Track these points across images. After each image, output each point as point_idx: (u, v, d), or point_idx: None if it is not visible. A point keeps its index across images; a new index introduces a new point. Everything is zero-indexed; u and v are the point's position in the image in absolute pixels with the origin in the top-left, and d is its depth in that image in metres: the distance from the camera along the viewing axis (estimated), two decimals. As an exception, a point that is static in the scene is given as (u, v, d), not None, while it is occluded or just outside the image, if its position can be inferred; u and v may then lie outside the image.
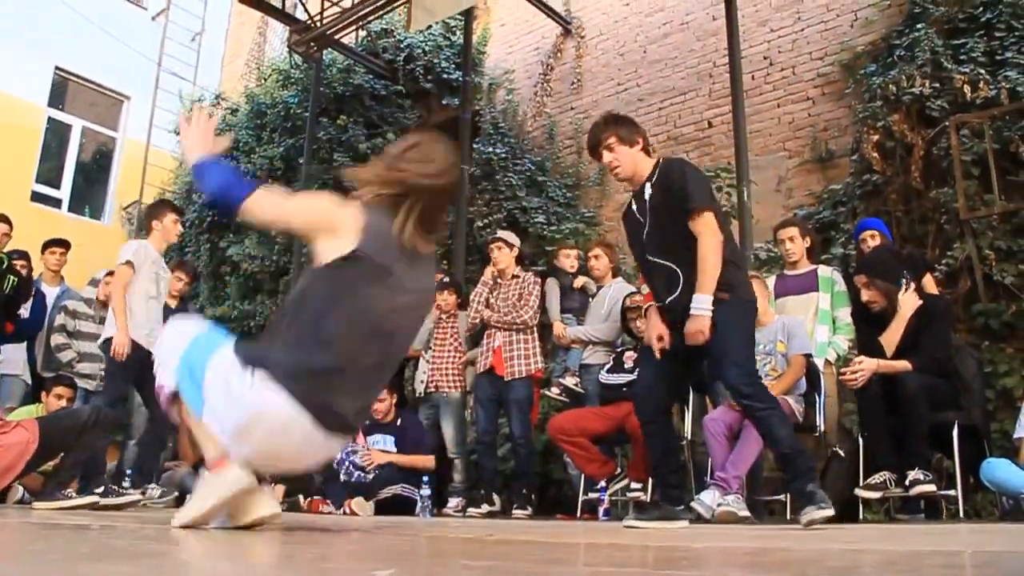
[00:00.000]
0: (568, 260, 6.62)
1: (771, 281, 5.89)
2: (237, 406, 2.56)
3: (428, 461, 6.26)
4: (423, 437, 6.43)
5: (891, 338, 4.81)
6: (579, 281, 6.41)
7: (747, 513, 4.66)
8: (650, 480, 5.47)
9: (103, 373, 7.26)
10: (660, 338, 3.85)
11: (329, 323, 2.59)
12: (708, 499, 4.71)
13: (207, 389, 2.61)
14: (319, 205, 2.77)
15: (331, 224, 2.66)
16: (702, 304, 3.60)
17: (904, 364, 4.62)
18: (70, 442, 4.77)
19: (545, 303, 6.34)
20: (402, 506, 6.00)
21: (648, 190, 3.83)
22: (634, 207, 3.94)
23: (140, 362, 5.40)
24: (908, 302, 4.86)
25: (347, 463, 6.13)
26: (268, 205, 2.78)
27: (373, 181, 2.78)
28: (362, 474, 6.10)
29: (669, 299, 3.78)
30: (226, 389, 2.58)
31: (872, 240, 5.48)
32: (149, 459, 6.07)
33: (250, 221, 2.80)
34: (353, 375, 2.66)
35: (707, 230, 3.64)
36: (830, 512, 3.40)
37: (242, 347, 2.68)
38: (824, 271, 5.58)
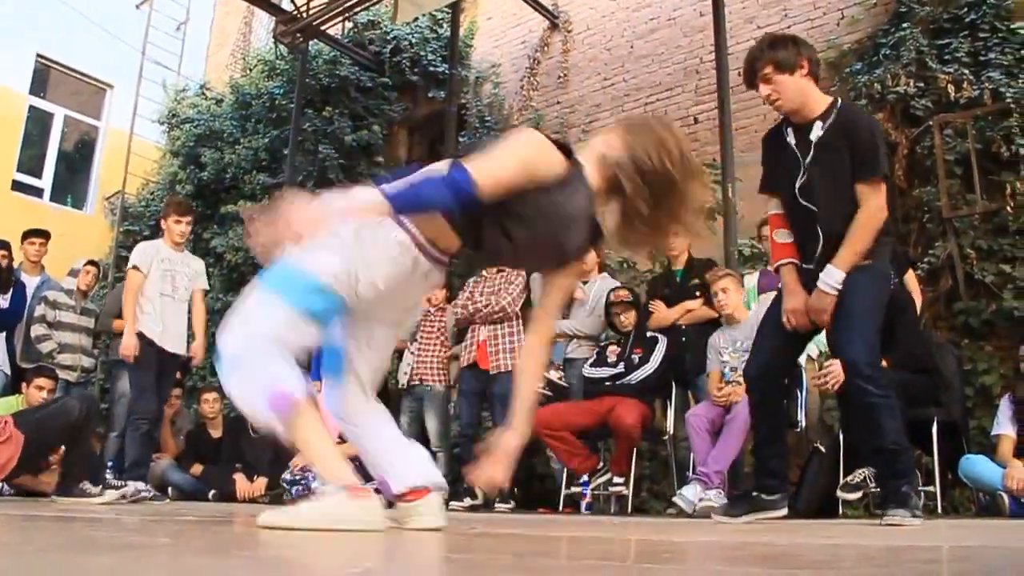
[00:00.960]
0: (553, 255, 6.60)
1: (755, 277, 5.92)
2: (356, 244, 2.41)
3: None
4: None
5: None
6: (578, 293, 6.38)
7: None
8: (631, 474, 5.50)
9: (84, 364, 7.27)
10: (795, 311, 3.52)
11: None
12: (690, 494, 4.74)
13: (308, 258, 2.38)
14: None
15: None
16: (833, 280, 3.32)
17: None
18: (64, 439, 4.79)
19: (530, 296, 6.34)
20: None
21: (818, 130, 3.44)
22: (791, 139, 3.54)
23: (156, 355, 6.01)
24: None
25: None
26: (490, 171, 2.37)
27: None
28: (298, 488, 6.03)
29: (811, 256, 3.49)
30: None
31: None
32: (140, 453, 6.06)
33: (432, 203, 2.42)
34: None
35: (876, 203, 3.34)
36: (918, 523, 3.20)
37: None
38: None
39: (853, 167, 3.35)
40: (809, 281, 3.49)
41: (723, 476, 4.75)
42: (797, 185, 3.48)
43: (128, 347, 5.93)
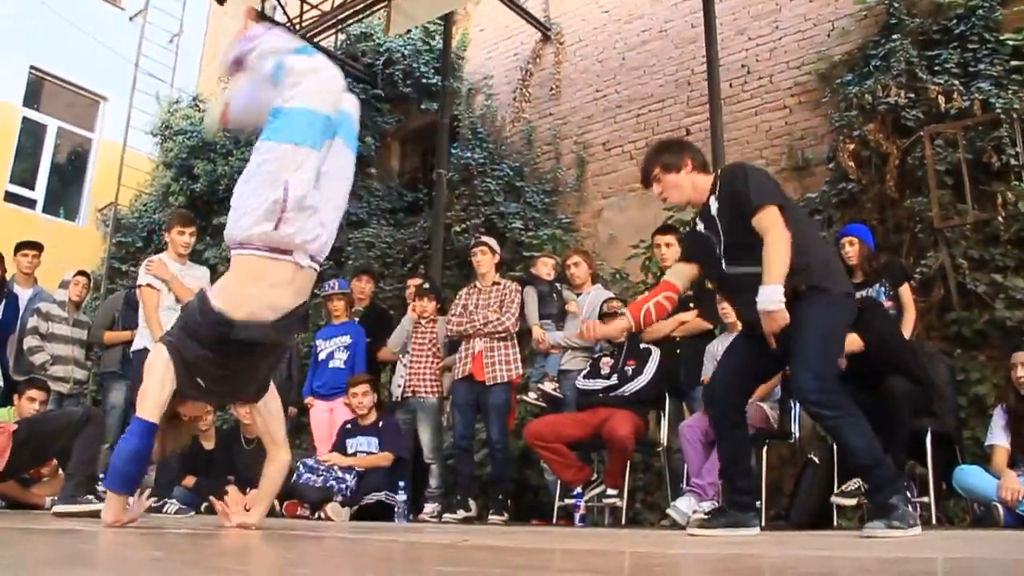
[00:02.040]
0: (545, 268, 6.62)
1: None
2: None
3: (385, 459, 6.27)
4: (400, 439, 6.45)
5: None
6: (571, 306, 6.38)
7: None
8: (625, 486, 5.49)
9: (76, 376, 7.24)
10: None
11: None
12: (684, 506, 4.73)
13: None
14: None
15: None
16: (771, 296, 3.34)
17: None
18: (64, 443, 4.71)
19: (524, 310, 6.34)
20: (384, 513, 6.01)
21: (714, 204, 3.67)
22: (700, 226, 3.78)
23: None
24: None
25: (312, 472, 6.10)
26: None
27: None
28: (311, 477, 6.04)
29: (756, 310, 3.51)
30: None
31: (850, 246, 5.48)
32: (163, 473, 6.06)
33: None
34: None
35: (771, 225, 3.42)
36: (901, 533, 3.15)
37: None
38: None
39: (745, 211, 3.51)
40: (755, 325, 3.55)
41: (717, 487, 4.73)
42: (723, 260, 3.66)
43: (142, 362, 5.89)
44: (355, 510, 5.97)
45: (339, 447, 6.40)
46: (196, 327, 3.23)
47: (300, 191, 3.19)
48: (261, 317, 3.25)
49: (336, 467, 6.12)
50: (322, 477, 6.03)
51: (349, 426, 6.46)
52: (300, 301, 3.38)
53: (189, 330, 3.26)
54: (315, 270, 3.41)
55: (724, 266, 3.66)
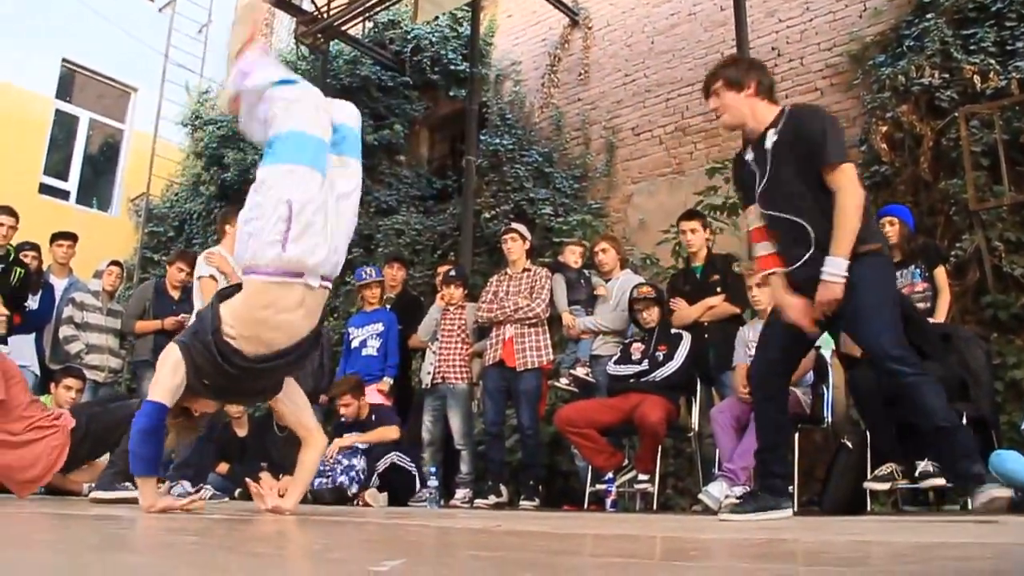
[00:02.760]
0: (572, 256, 6.61)
1: None
2: None
3: (390, 432, 6.25)
4: (395, 418, 6.43)
5: (850, 345, 4.63)
6: (601, 290, 6.37)
7: None
8: (656, 471, 5.48)
9: (111, 365, 7.33)
10: (797, 315, 3.48)
11: None
12: (716, 491, 4.72)
13: None
14: None
15: None
16: (837, 269, 3.26)
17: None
18: (123, 432, 4.76)
19: (553, 297, 6.33)
20: (404, 482, 6.02)
21: (771, 138, 3.50)
22: (749, 156, 3.64)
23: None
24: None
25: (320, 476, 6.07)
26: None
27: None
28: (322, 480, 5.98)
29: (798, 261, 3.45)
30: None
31: (890, 226, 5.40)
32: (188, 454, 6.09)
33: None
34: None
35: (850, 185, 3.33)
36: (1008, 492, 3.09)
37: None
38: None
39: (814, 161, 3.39)
40: (801, 281, 3.48)
41: (749, 472, 4.71)
42: (758, 196, 3.57)
43: None
44: (375, 484, 5.98)
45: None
46: (205, 344, 3.25)
47: (303, 209, 3.20)
48: (273, 345, 3.29)
49: (342, 459, 6.07)
50: (330, 476, 6.00)
51: (343, 420, 6.41)
52: (313, 324, 3.40)
53: (199, 337, 3.28)
54: (327, 288, 3.42)
55: (758, 203, 3.59)
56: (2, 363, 4.77)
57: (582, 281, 6.44)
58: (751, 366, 3.88)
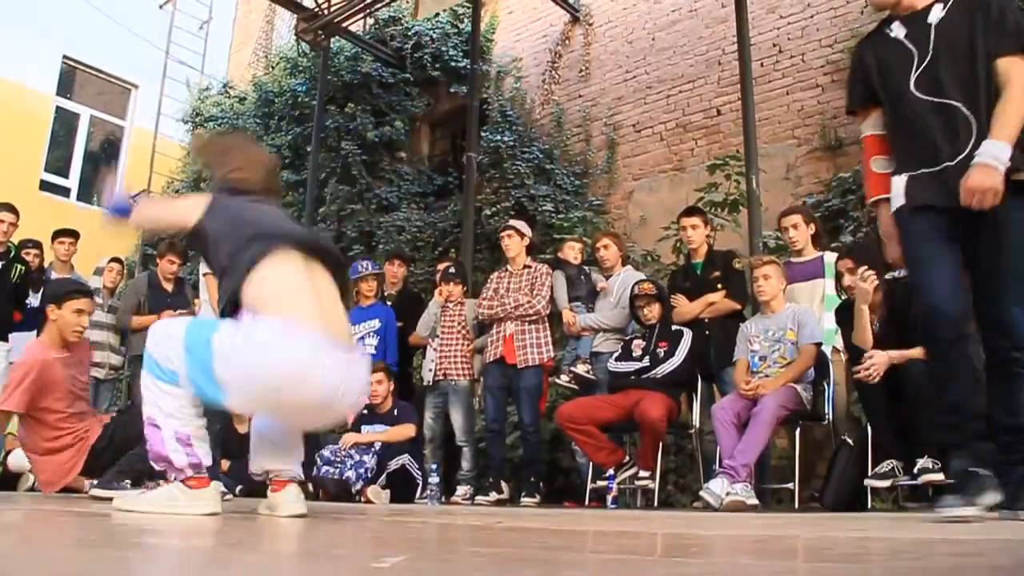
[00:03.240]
0: (572, 252, 6.61)
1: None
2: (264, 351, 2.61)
3: (408, 431, 6.25)
4: (415, 418, 6.43)
5: (861, 336, 4.60)
6: (601, 284, 6.38)
7: (755, 501, 4.65)
8: (657, 468, 5.49)
9: (112, 362, 7.34)
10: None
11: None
12: (717, 487, 4.72)
13: (220, 360, 2.65)
14: None
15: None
16: (997, 153, 2.76)
17: (914, 352, 4.48)
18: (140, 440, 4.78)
19: (553, 293, 6.33)
20: (409, 488, 6.03)
21: (938, 12, 3.05)
22: (898, 33, 3.14)
23: None
24: (860, 293, 4.58)
25: (329, 464, 6.09)
26: None
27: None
28: (329, 469, 6.02)
29: (956, 156, 2.92)
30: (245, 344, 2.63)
31: None
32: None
33: None
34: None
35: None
36: (973, 511, 2.72)
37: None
38: (830, 257, 5.51)
39: (987, 43, 2.96)
40: (934, 185, 2.99)
41: (750, 469, 4.72)
42: (913, 79, 3.07)
43: None
44: (382, 483, 5.98)
45: (354, 432, 6.35)
46: None
47: None
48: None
49: (354, 453, 6.08)
50: (338, 469, 6.00)
51: (365, 411, 6.37)
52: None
53: None
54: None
55: (911, 86, 3.07)
56: (48, 373, 4.70)
57: (582, 277, 6.43)
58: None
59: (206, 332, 2.71)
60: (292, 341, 2.62)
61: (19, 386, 4.51)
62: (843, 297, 5.01)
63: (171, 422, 2.75)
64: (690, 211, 6.08)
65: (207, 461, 2.78)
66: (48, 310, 4.90)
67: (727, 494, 4.59)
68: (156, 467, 2.92)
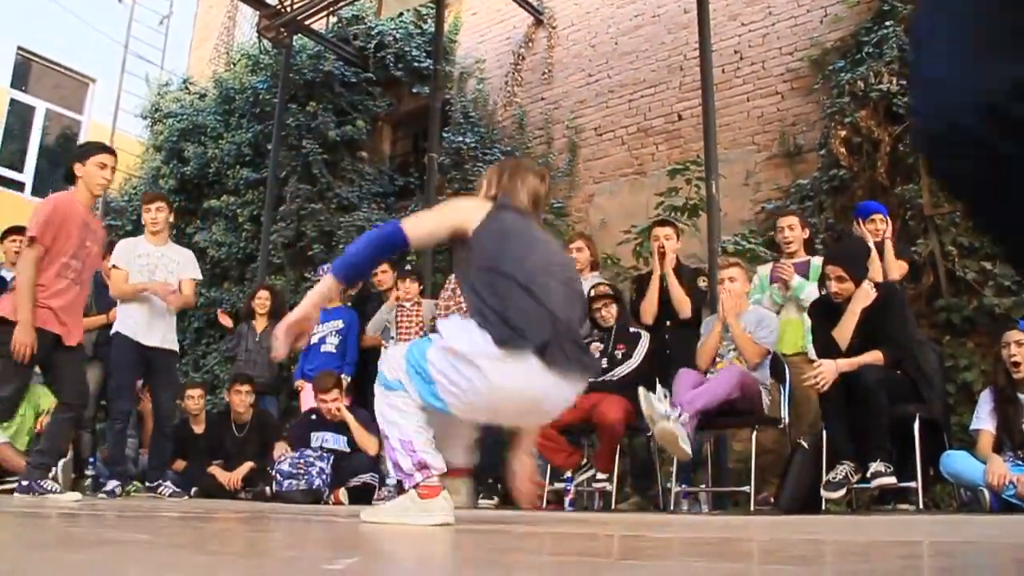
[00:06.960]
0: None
1: (768, 267, 5.94)
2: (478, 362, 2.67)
3: (372, 445, 6.14)
4: (375, 427, 6.40)
5: (844, 333, 4.77)
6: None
7: (687, 445, 4.65)
8: (615, 470, 5.50)
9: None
10: None
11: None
12: (661, 407, 4.73)
13: (435, 368, 2.73)
14: None
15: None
16: None
17: (863, 359, 4.62)
18: None
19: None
20: (366, 496, 6.01)
21: None
22: None
23: (140, 356, 5.86)
24: (860, 296, 4.79)
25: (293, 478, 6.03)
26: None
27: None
28: (293, 482, 5.97)
29: None
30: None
31: (882, 224, 5.53)
32: (114, 451, 6.01)
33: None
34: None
35: None
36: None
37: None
38: (817, 261, 5.59)
39: None
40: None
41: (696, 413, 4.77)
42: None
43: (116, 346, 5.91)
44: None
45: (302, 439, 6.28)
46: None
47: None
48: None
49: (314, 460, 6.01)
50: (304, 479, 5.96)
51: (315, 417, 6.33)
52: None
53: None
54: None
55: None
56: (68, 209, 5.03)
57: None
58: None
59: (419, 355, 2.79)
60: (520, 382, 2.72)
61: (45, 218, 4.89)
62: (823, 292, 5.08)
63: (395, 430, 2.79)
64: (663, 222, 6.19)
65: (437, 464, 2.75)
66: (75, 168, 5.25)
67: (667, 417, 4.62)
68: (395, 476, 3.03)
